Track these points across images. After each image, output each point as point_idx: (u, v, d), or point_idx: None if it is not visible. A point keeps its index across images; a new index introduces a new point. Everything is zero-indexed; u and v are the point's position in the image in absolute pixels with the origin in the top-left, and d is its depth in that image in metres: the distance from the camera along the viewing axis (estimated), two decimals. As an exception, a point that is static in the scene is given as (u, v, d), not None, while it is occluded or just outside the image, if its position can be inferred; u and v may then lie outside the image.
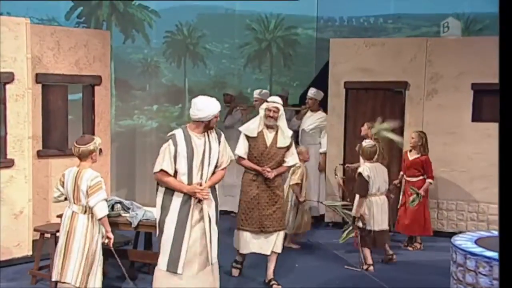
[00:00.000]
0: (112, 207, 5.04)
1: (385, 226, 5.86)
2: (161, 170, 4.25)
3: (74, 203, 4.41)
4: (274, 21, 9.62)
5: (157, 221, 4.38)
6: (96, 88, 6.67)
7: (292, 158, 5.19)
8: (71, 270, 4.34)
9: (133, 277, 5.34)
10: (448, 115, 7.08)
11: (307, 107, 7.87)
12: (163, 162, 4.24)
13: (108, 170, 6.76)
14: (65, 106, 6.47)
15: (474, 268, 3.83)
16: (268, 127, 5.11)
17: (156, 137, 8.74)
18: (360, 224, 5.72)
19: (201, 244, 4.34)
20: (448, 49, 7.13)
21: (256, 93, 7.80)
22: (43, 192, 6.31)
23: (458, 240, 4.20)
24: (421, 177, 6.50)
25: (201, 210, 4.33)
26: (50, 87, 6.35)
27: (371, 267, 5.75)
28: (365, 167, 5.81)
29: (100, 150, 4.73)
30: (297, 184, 6.33)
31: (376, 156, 5.87)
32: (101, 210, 4.33)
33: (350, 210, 5.89)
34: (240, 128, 5.33)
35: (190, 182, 4.27)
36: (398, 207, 6.66)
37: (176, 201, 4.28)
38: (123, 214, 5.09)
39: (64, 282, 4.34)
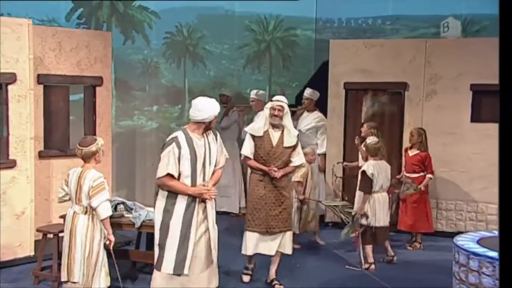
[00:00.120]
0: (115, 208, 5.06)
1: (385, 222, 5.90)
2: (167, 174, 4.19)
3: (76, 203, 4.42)
4: (273, 22, 9.65)
5: (158, 224, 4.30)
6: (98, 88, 6.69)
7: (298, 158, 5.15)
8: (78, 270, 4.37)
9: (133, 278, 5.36)
10: (447, 116, 7.12)
11: (303, 107, 7.88)
12: (168, 166, 4.17)
13: (110, 171, 6.78)
14: (66, 106, 6.49)
15: (477, 269, 3.83)
16: (273, 126, 5.07)
17: (156, 137, 8.77)
18: (363, 221, 5.76)
19: (205, 244, 4.35)
20: (447, 50, 7.18)
21: (253, 94, 7.81)
22: (45, 193, 6.33)
23: (461, 241, 4.20)
24: (421, 173, 6.55)
25: (205, 210, 4.34)
26: (52, 88, 6.37)
27: (373, 266, 5.78)
28: (369, 165, 5.85)
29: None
30: (298, 182, 6.35)
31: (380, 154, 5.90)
32: (104, 211, 4.33)
33: (350, 209, 5.92)
34: (246, 128, 5.32)
35: (193, 184, 4.25)
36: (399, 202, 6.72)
37: (181, 204, 4.24)
38: (126, 215, 5.12)
39: (74, 282, 4.36)
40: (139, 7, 8.82)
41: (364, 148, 6.67)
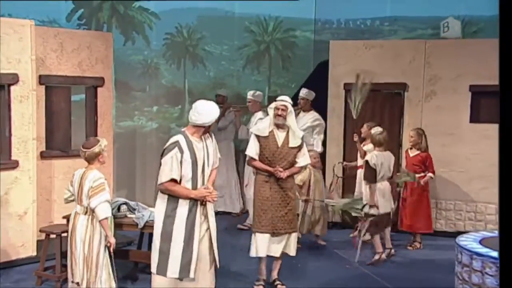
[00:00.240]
0: (118, 208, 5.09)
1: (387, 209, 6.00)
2: (171, 179, 4.15)
3: (78, 203, 4.44)
4: (272, 24, 9.69)
5: (159, 231, 4.25)
6: (99, 89, 6.71)
7: (303, 159, 5.13)
8: (79, 270, 4.38)
9: (134, 278, 5.38)
10: (447, 117, 7.17)
11: (299, 107, 7.91)
12: (172, 171, 4.12)
13: (111, 171, 6.80)
14: (68, 107, 6.51)
15: (481, 269, 3.83)
16: (278, 126, 5.05)
17: (156, 138, 8.79)
18: (373, 211, 5.81)
19: (208, 243, 4.35)
20: (446, 51, 7.22)
21: (249, 95, 7.81)
22: (46, 193, 6.35)
23: (463, 241, 4.20)
24: (422, 174, 6.60)
25: (205, 210, 4.33)
26: (53, 88, 6.39)
27: (383, 255, 5.86)
28: (372, 155, 5.93)
29: None
30: (298, 185, 6.38)
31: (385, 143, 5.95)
32: (103, 212, 4.31)
33: (355, 204, 5.98)
34: (251, 129, 5.32)
35: (194, 187, 4.23)
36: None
37: (183, 208, 4.21)
38: (129, 215, 5.13)
39: (77, 283, 4.38)
40: (139, 8, 8.83)
41: (363, 146, 6.74)
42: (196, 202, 4.24)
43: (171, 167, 4.13)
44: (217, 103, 7.95)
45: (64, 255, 4.85)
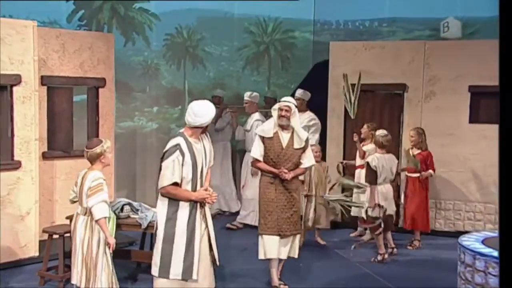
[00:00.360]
0: (121, 209, 5.10)
1: (389, 211, 6.04)
2: (174, 183, 4.13)
3: (79, 204, 4.46)
4: (272, 25, 9.74)
5: (161, 235, 4.23)
6: (100, 90, 6.72)
7: (308, 160, 5.12)
8: (77, 271, 4.39)
9: (134, 278, 5.39)
10: (446, 117, 7.22)
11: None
12: (174, 174, 4.10)
13: (112, 172, 6.81)
14: (70, 108, 6.52)
15: (484, 269, 3.83)
16: (282, 128, 5.04)
17: (156, 138, 8.81)
18: (375, 213, 5.86)
19: (207, 245, 4.35)
20: (445, 52, 7.27)
21: (246, 96, 7.83)
22: (48, 193, 6.35)
23: (466, 241, 4.19)
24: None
25: (203, 210, 4.32)
26: (55, 89, 6.39)
27: (386, 255, 5.94)
28: (373, 157, 5.99)
29: None
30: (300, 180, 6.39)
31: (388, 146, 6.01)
32: (99, 212, 4.29)
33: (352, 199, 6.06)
34: (256, 131, 5.32)
35: (194, 188, 4.22)
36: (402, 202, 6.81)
37: (183, 210, 4.20)
38: (132, 216, 5.14)
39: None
40: (140, 9, 8.86)
41: (363, 146, 6.79)
42: (196, 203, 4.24)
43: (172, 170, 4.10)
44: (214, 104, 8.03)
45: (67, 255, 4.87)
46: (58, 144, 6.42)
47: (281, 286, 5.21)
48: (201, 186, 4.27)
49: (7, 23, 5.66)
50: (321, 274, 5.74)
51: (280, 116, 5.01)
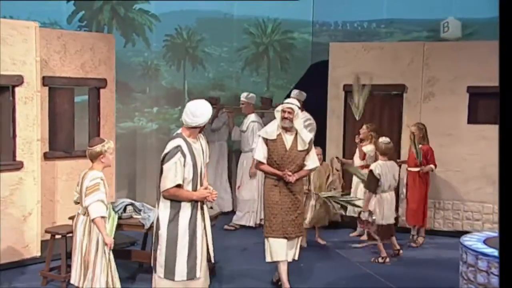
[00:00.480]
0: (124, 209, 5.12)
1: (391, 220, 6.11)
2: (177, 185, 4.10)
3: (80, 203, 4.48)
4: (271, 26, 9.78)
5: (164, 238, 4.19)
6: (102, 90, 6.74)
7: (312, 162, 5.08)
8: (76, 271, 4.41)
9: (135, 278, 5.42)
10: (445, 117, 7.26)
11: None
12: (177, 176, 4.06)
13: (113, 172, 6.82)
14: (71, 108, 6.54)
15: (486, 269, 3.84)
16: (286, 130, 5.01)
17: (156, 138, 8.83)
18: (369, 219, 5.89)
19: (206, 243, 4.35)
20: (444, 53, 7.32)
21: (243, 97, 7.84)
22: (50, 194, 6.37)
23: (467, 241, 4.20)
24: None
25: (202, 211, 4.31)
26: (57, 90, 6.41)
27: (387, 259, 5.98)
28: (377, 165, 6.00)
29: None
30: None
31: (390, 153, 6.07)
32: (95, 211, 4.28)
33: (347, 197, 6.09)
34: (259, 133, 5.31)
35: (194, 188, 4.21)
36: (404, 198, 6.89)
37: (185, 211, 4.19)
38: (135, 216, 5.16)
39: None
40: (140, 10, 8.88)
41: (364, 148, 6.82)
42: (197, 204, 4.24)
43: (175, 172, 4.06)
44: (210, 104, 8.05)
45: (69, 255, 4.88)
46: (59, 145, 6.44)
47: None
48: (201, 185, 4.27)
49: (9, 24, 5.68)
50: (322, 274, 5.75)
51: (283, 118, 4.99)
